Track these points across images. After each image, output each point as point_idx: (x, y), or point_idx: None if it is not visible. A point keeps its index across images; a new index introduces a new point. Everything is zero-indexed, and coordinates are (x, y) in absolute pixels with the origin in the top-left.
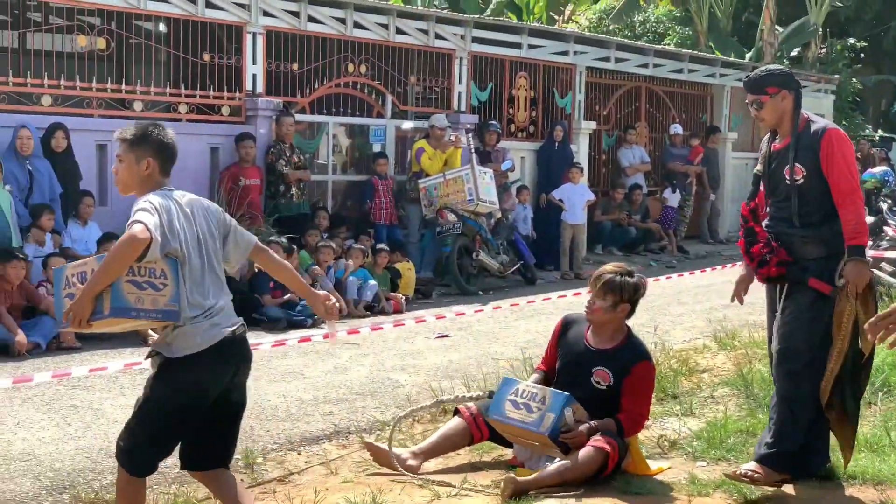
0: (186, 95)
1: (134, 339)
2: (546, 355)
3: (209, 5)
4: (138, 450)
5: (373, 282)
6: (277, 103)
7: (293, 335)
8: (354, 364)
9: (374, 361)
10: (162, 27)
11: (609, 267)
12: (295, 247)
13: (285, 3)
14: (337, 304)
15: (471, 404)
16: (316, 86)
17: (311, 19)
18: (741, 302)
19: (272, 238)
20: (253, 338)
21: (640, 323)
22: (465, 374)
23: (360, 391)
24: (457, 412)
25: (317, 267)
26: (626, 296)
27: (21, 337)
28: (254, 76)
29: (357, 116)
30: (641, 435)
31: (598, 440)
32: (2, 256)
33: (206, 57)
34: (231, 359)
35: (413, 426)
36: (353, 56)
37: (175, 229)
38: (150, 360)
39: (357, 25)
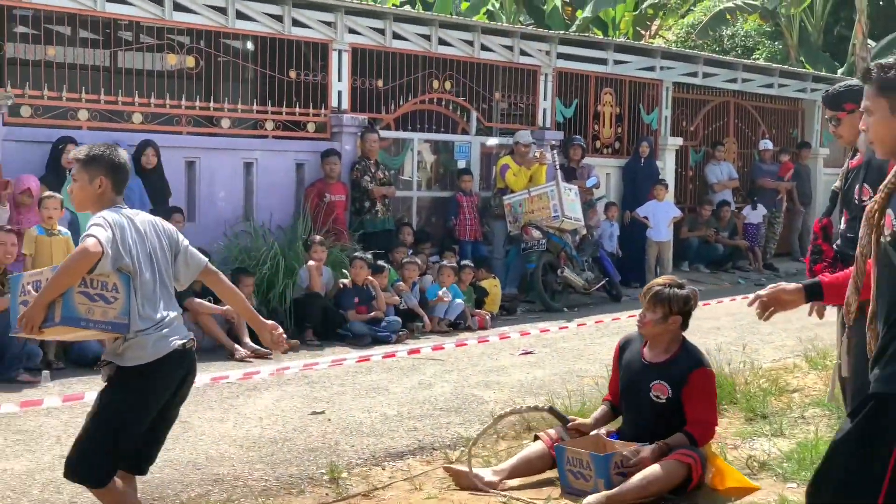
0: (273, 112)
1: (220, 353)
2: (611, 382)
3: (296, 23)
4: (94, 461)
5: (459, 300)
6: (362, 120)
7: (378, 351)
8: (439, 380)
9: (459, 378)
10: (249, 45)
11: (659, 280)
12: (385, 265)
13: (371, 20)
14: (284, 335)
15: (552, 430)
16: (401, 102)
17: (396, 36)
18: (820, 316)
19: (357, 254)
20: (338, 353)
21: (727, 341)
22: (549, 390)
23: (444, 407)
24: (536, 437)
25: (401, 283)
26: (676, 308)
27: None
28: (339, 93)
29: (442, 133)
30: (730, 455)
31: (679, 452)
32: None
33: (293, 74)
34: (179, 370)
35: (497, 443)
36: (438, 72)
37: (127, 245)
38: (102, 370)
39: (442, 42)
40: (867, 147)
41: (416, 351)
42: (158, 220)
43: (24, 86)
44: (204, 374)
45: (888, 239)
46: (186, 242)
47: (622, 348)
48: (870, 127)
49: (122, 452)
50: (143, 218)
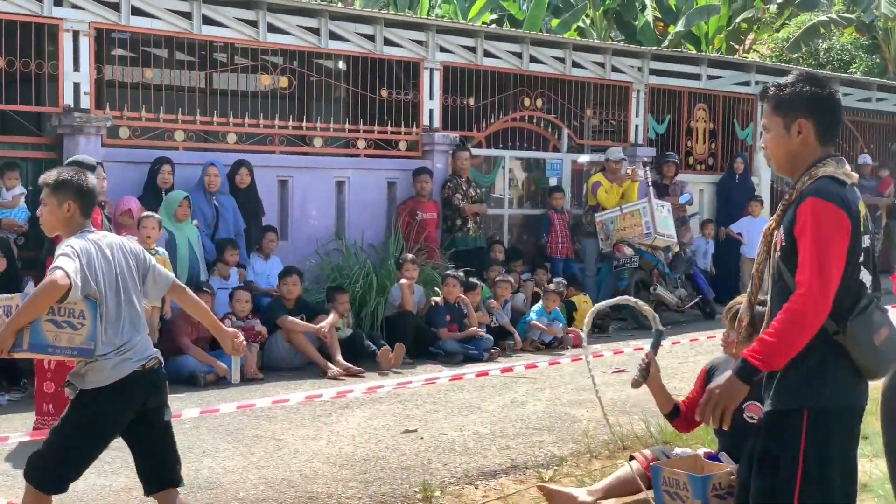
0: (365, 131)
1: (313, 371)
2: (689, 396)
3: (387, 42)
4: (49, 467)
5: (560, 323)
6: (454, 138)
7: (470, 369)
8: (531, 398)
9: (551, 396)
10: (341, 65)
11: (741, 298)
12: (479, 282)
13: (462, 38)
14: (244, 343)
15: (647, 451)
16: (492, 120)
17: (488, 54)
18: None
19: (449, 272)
20: (430, 371)
21: None
22: (643, 409)
23: (537, 426)
24: (632, 457)
25: (493, 300)
26: (759, 326)
27: (222, 364)
28: (430, 111)
29: (533, 150)
30: None
31: None
32: None
33: (384, 93)
34: (137, 390)
35: (591, 462)
36: (529, 90)
37: (94, 271)
38: (67, 388)
39: (533, 59)
40: None
41: (509, 369)
42: (125, 240)
43: (123, 108)
44: (297, 392)
45: (779, 254)
46: (154, 261)
47: (709, 372)
48: (767, 143)
49: (74, 467)
50: (109, 241)
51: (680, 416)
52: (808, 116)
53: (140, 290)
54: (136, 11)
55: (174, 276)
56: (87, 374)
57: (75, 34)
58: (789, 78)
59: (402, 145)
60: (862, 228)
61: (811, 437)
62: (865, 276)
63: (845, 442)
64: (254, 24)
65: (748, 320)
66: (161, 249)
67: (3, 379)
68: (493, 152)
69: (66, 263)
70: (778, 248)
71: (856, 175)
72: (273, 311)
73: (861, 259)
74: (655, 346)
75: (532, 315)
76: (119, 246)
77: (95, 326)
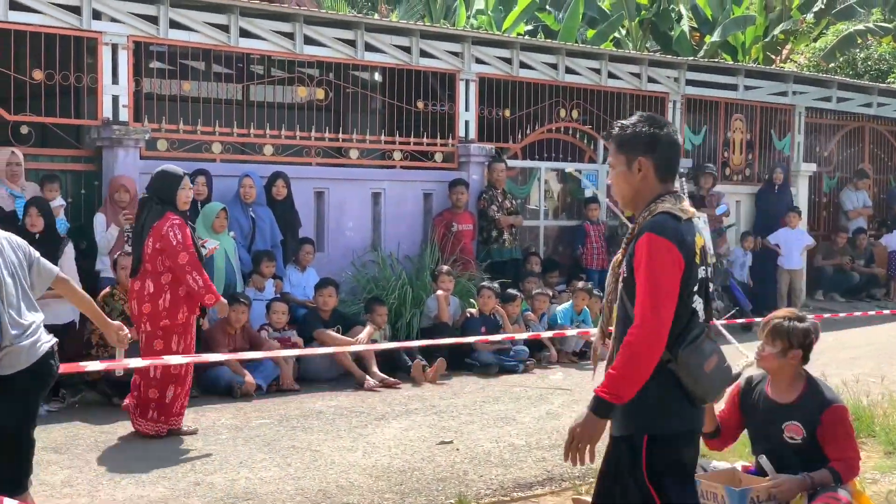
0: (401, 142)
1: (349, 382)
2: (723, 414)
3: (423, 54)
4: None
5: (592, 330)
6: (490, 149)
7: (505, 380)
8: (567, 410)
9: None
10: (377, 76)
11: (780, 312)
12: (517, 293)
13: (497, 49)
14: (129, 335)
15: None
16: (528, 131)
17: (523, 65)
18: None
19: (485, 284)
20: (465, 383)
21: (865, 372)
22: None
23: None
24: None
25: (530, 313)
26: (796, 341)
27: (250, 378)
28: (466, 122)
29: (568, 161)
30: (869, 489)
31: (827, 496)
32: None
33: (420, 104)
34: (50, 371)
35: None
36: (565, 101)
37: None
38: None
39: (569, 70)
40: None
41: (544, 380)
42: (10, 235)
43: (161, 120)
44: (333, 403)
45: (621, 284)
46: (38, 254)
47: (743, 390)
48: (613, 180)
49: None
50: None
51: (719, 436)
52: (647, 156)
53: (28, 280)
54: (174, 24)
55: (58, 269)
56: (4, 359)
57: (114, 47)
58: (631, 119)
59: (438, 157)
60: (697, 260)
61: (650, 461)
62: (698, 305)
63: (682, 464)
64: (290, 36)
65: (601, 350)
66: None
67: None
68: (528, 164)
69: None
70: (621, 280)
71: (692, 210)
72: (309, 322)
73: (695, 289)
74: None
75: (559, 315)
76: (6, 239)
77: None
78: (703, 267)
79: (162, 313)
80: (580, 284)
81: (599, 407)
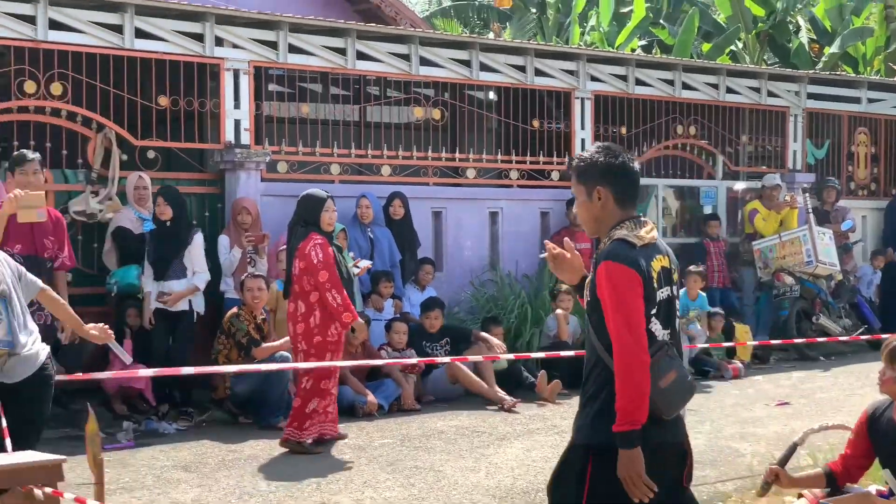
0: (517, 161)
1: (471, 402)
2: (847, 449)
3: (538, 73)
4: None
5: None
6: None
7: None
8: (691, 431)
9: (712, 429)
10: (492, 95)
11: None
12: None
13: (613, 67)
14: (109, 329)
15: (817, 490)
16: (644, 148)
17: (639, 82)
18: None
19: None
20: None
21: None
22: (809, 443)
23: (699, 460)
24: (800, 495)
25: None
26: None
27: (372, 398)
28: (582, 140)
29: (686, 178)
30: None
31: None
32: None
33: (536, 123)
34: (49, 381)
35: (756, 499)
36: (682, 117)
37: (1, 273)
38: None
39: (686, 86)
40: None
41: None
42: (1, 253)
43: (280, 143)
44: (454, 423)
45: (587, 314)
46: (24, 269)
47: (871, 417)
48: (576, 209)
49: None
50: None
51: (837, 479)
52: (604, 184)
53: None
54: (292, 49)
55: (41, 282)
56: (11, 369)
57: (235, 73)
58: (589, 150)
59: (555, 175)
60: (655, 284)
61: (595, 472)
62: (655, 327)
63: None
64: (406, 57)
65: None
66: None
67: (172, 408)
68: (645, 181)
69: None
70: (587, 310)
71: (650, 236)
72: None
73: (653, 312)
74: (785, 460)
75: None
76: (3, 257)
77: (10, 320)
78: (667, 288)
79: (314, 331)
80: (691, 267)
81: (623, 441)
